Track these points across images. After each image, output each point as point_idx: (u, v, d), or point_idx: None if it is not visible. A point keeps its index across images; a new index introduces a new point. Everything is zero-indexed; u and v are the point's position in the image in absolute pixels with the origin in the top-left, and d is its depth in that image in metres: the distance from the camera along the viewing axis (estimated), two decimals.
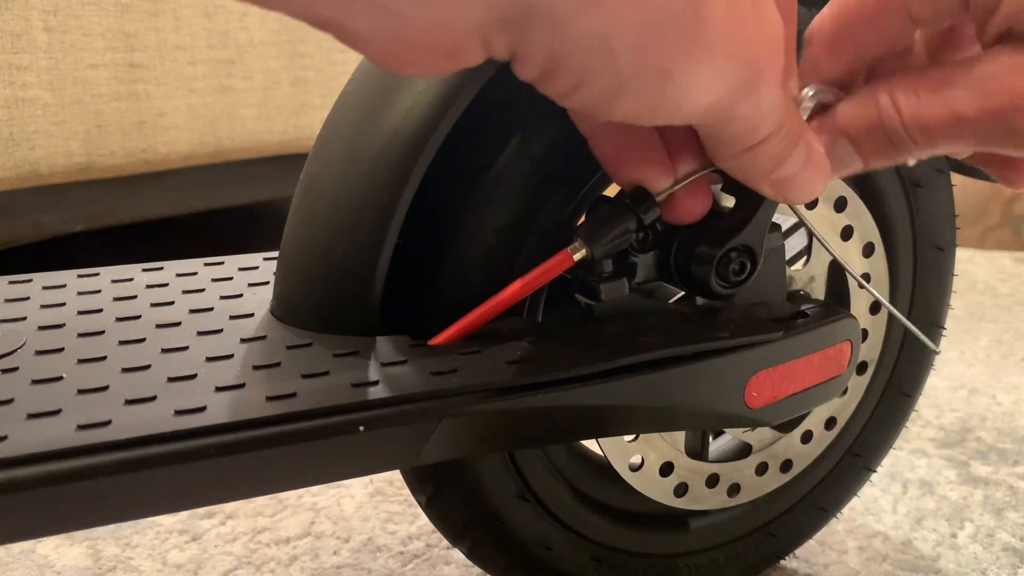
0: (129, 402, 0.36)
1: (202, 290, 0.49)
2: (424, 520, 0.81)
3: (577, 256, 0.42)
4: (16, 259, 1.19)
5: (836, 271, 0.60)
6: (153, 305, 0.47)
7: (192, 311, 0.46)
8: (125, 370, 0.39)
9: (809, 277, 0.59)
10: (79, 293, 0.48)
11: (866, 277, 0.60)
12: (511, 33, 0.27)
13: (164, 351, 0.41)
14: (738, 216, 0.46)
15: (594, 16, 0.26)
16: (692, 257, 0.46)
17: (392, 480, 0.88)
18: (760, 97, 0.32)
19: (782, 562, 0.73)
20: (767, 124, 0.34)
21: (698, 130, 0.36)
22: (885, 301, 0.49)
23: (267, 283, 0.51)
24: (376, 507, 0.84)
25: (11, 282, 0.49)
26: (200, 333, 0.43)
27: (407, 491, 0.85)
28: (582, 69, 0.28)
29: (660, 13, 0.27)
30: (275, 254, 0.51)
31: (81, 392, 0.37)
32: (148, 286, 0.49)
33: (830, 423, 0.63)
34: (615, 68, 0.28)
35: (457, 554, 0.76)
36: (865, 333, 0.61)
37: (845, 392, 0.62)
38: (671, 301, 0.50)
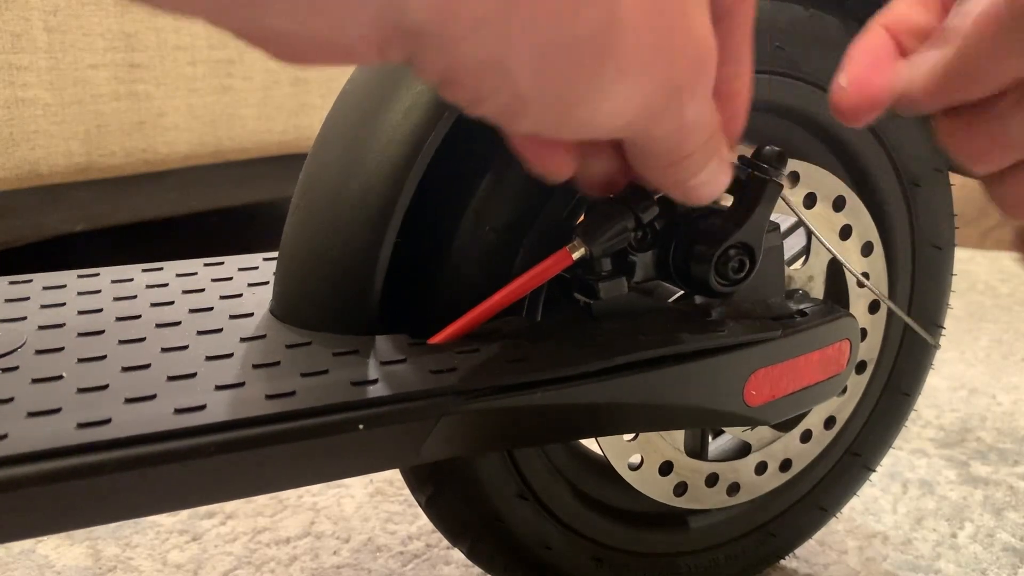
0: (129, 400, 0.36)
1: (202, 290, 0.49)
2: (424, 520, 0.81)
3: (576, 255, 0.42)
4: (16, 259, 1.19)
5: (835, 270, 0.60)
6: (153, 305, 0.47)
7: (192, 311, 0.46)
8: (125, 369, 0.39)
9: (808, 276, 0.59)
10: (79, 293, 0.48)
11: (865, 276, 0.60)
12: (402, 47, 0.25)
13: (164, 350, 0.41)
14: (736, 214, 0.46)
15: (487, 40, 0.25)
16: (691, 255, 0.46)
17: (392, 480, 0.88)
18: (683, 116, 0.31)
19: (782, 562, 0.73)
20: (691, 142, 0.33)
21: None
22: (884, 297, 0.49)
23: (267, 283, 0.51)
24: (376, 507, 0.84)
25: (11, 282, 0.50)
26: (200, 332, 0.43)
27: (407, 491, 0.86)
28: (478, 88, 0.27)
29: (564, 35, 0.25)
30: (275, 254, 0.51)
31: (81, 391, 0.37)
32: (148, 286, 0.49)
33: (829, 422, 0.63)
34: (513, 90, 0.26)
35: (457, 554, 0.76)
36: (864, 332, 0.61)
37: (844, 391, 0.62)
38: (670, 300, 0.50)
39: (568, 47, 0.26)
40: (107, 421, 0.34)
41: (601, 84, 0.27)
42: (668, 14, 0.28)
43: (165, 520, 0.80)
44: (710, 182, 0.36)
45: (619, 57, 0.26)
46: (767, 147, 0.45)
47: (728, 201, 0.47)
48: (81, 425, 0.34)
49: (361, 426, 0.37)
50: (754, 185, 0.45)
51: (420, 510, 0.81)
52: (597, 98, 0.27)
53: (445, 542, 0.78)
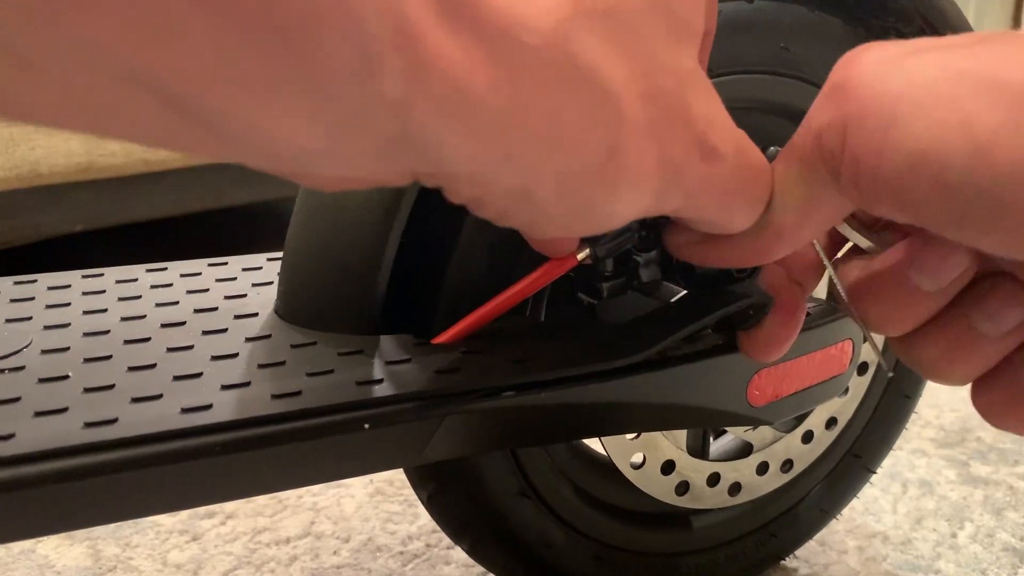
0: (135, 400, 0.36)
1: (206, 290, 0.49)
2: (424, 520, 0.81)
3: (580, 255, 0.42)
4: (16, 259, 1.19)
5: None
6: (158, 305, 0.47)
7: (197, 311, 0.46)
8: (131, 369, 0.39)
9: None
10: (84, 293, 0.48)
11: None
12: (435, 182, 0.28)
13: (169, 350, 0.41)
14: None
15: (514, 173, 0.27)
16: None
17: (392, 480, 0.88)
18: (695, 191, 0.32)
19: (782, 562, 0.73)
20: (733, 203, 0.34)
21: None
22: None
23: (271, 283, 0.51)
24: (376, 507, 0.84)
25: (16, 282, 0.50)
26: (205, 332, 0.44)
27: (407, 491, 0.86)
28: (506, 209, 0.29)
29: (577, 162, 0.27)
30: (279, 254, 0.51)
31: (87, 390, 0.37)
32: (152, 286, 0.49)
33: (831, 423, 0.63)
34: (537, 209, 0.29)
35: (457, 554, 0.76)
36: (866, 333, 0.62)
37: (846, 392, 0.63)
38: (673, 300, 0.50)
39: (583, 169, 0.28)
40: (114, 420, 0.34)
41: (614, 192, 0.29)
42: (666, 113, 0.29)
43: (165, 520, 0.80)
44: (745, 218, 0.35)
45: (625, 170, 0.28)
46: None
47: None
48: (88, 424, 0.34)
49: (366, 426, 0.37)
50: None
51: (420, 510, 0.81)
52: (612, 203, 0.29)
53: (445, 542, 0.78)
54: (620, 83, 0.27)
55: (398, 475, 0.86)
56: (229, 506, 0.83)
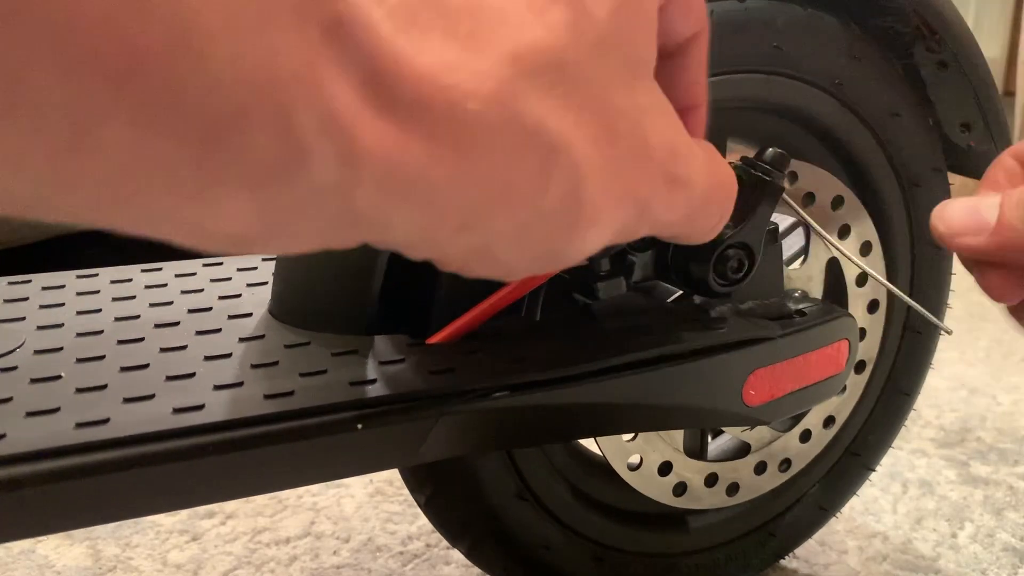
0: (128, 400, 0.36)
1: (201, 290, 0.49)
2: (424, 520, 0.81)
3: None
4: (16, 259, 1.19)
5: (834, 270, 0.60)
6: (152, 305, 0.47)
7: (191, 311, 0.46)
8: (124, 369, 0.39)
9: (807, 276, 0.59)
10: (78, 293, 0.48)
11: (864, 277, 0.60)
12: (389, 247, 0.27)
13: (163, 350, 0.41)
14: (737, 214, 0.46)
15: (469, 237, 0.26)
16: (690, 255, 0.46)
17: (392, 480, 0.88)
18: (656, 217, 0.32)
19: (782, 562, 0.73)
20: (701, 220, 0.34)
21: None
22: (888, 283, 0.49)
23: (265, 283, 0.51)
24: (376, 507, 0.84)
25: (11, 283, 0.50)
26: (199, 332, 0.43)
27: (407, 491, 0.85)
28: (466, 265, 0.29)
29: (536, 214, 0.27)
30: (273, 255, 0.51)
31: (80, 390, 0.37)
32: (147, 286, 0.49)
33: (829, 422, 0.63)
34: (499, 264, 0.29)
35: (457, 554, 0.76)
36: (863, 332, 0.61)
37: (844, 391, 0.62)
38: (669, 300, 0.50)
39: (542, 220, 0.27)
40: (105, 421, 0.34)
41: (577, 235, 0.29)
42: (623, 149, 0.29)
43: (165, 520, 0.80)
44: (711, 230, 0.36)
45: (588, 210, 0.28)
46: (769, 149, 0.45)
47: None
48: (80, 425, 0.34)
49: (360, 426, 0.37)
50: (755, 186, 0.45)
51: (420, 510, 0.81)
52: (574, 244, 0.29)
53: (445, 542, 0.78)
54: (569, 133, 0.26)
55: (398, 475, 0.86)
56: (229, 506, 0.83)
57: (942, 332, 0.66)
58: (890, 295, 0.62)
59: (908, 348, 0.66)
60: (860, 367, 0.63)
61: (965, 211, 0.38)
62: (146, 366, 0.39)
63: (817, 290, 0.59)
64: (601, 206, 0.29)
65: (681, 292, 0.51)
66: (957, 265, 0.66)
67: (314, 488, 0.86)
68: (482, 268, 0.29)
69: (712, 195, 0.33)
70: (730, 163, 0.45)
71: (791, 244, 0.60)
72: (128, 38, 0.18)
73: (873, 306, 0.62)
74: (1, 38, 0.17)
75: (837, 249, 0.53)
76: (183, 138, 0.19)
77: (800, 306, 0.51)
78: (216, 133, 0.20)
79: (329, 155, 0.22)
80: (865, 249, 0.59)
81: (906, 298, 0.49)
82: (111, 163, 0.19)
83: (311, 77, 0.21)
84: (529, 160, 0.26)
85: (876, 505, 0.85)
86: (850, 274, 0.60)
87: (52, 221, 0.22)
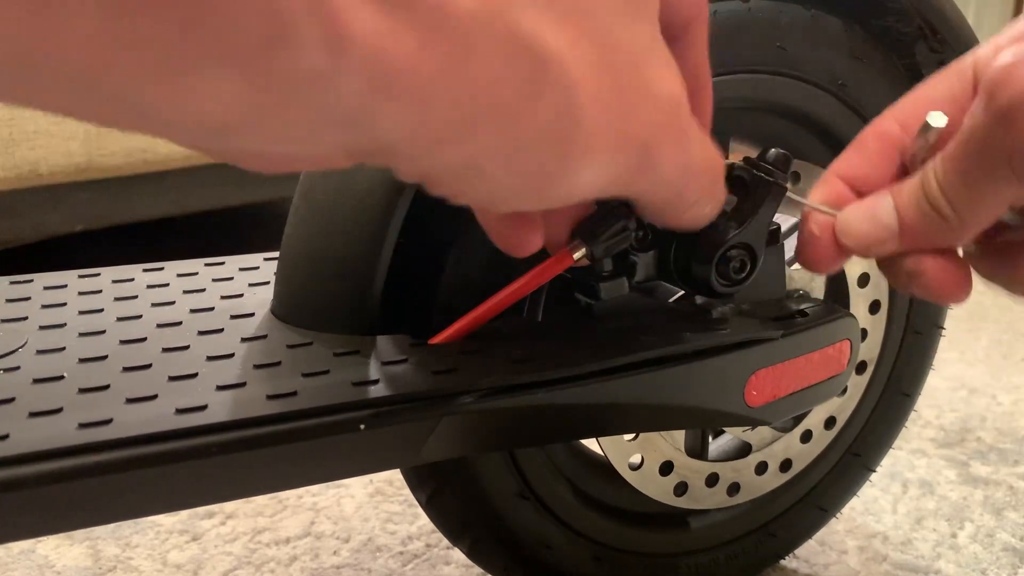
0: (130, 401, 0.36)
1: (203, 290, 0.49)
2: (424, 520, 0.81)
3: (576, 255, 0.42)
4: (16, 259, 1.19)
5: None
6: (154, 305, 0.47)
7: (193, 311, 0.46)
8: (126, 369, 0.39)
9: (809, 277, 0.59)
10: (80, 293, 0.48)
11: (865, 277, 0.60)
12: (376, 159, 0.27)
13: (165, 350, 0.41)
14: (739, 215, 0.46)
15: (457, 147, 0.26)
16: (692, 256, 0.46)
17: (392, 480, 0.88)
18: (660, 169, 0.31)
19: (782, 562, 0.73)
20: (690, 190, 0.34)
21: None
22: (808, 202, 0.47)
23: (268, 283, 0.51)
24: (376, 507, 0.84)
25: (12, 282, 0.50)
26: (201, 332, 0.43)
27: (407, 491, 0.85)
28: (455, 187, 0.28)
29: (528, 131, 0.27)
30: (276, 254, 0.51)
31: (82, 391, 0.37)
32: (149, 286, 0.49)
33: (830, 422, 0.63)
34: (489, 184, 0.28)
35: (457, 554, 0.76)
36: (864, 332, 0.61)
37: (845, 391, 0.62)
38: (671, 300, 0.50)
39: (534, 139, 0.27)
40: (108, 421, 0.34)
41: (571, 163, 0.28)
42: (624, 83, 0.28)
43: (165, 520, 0.80)
44: (701, 214, 0.37)
45: (583, 136, 0.28)
46: (772, 149, 0.45)
47: (731, 202, 0.47)
48: (82, 425, 0.34)
49: (362, 426, 0.37)
50: (758, 187, 0.45)
51: (420, 510, 0.81)
52: (570, 175, 0.29)
53: (445, 542, 0.78)
54: (564, 52, 0.26)
55: (398, 475, 0.86)
56: (229, 506, 0.83)
57: (942, 330, 0.66)
58: (891, 295, 0.62)
59: (909, 349, 0.66)
60: (861, 368, 0.63)
61: (866, 221, 0.38)
62: (148, 366, 0.39)
63: (819, 290, 0.59)
64: (598, 137, 0.28)
65: (683, 292, 0.51)
66: None
67: (314, 488, 0.86)
68: (472, 189, 0.29)
69: (713, 169, 0.34)
70: (733, 163, 0.45)
71: (793, 244, 0.60)
72: None
73: (875, 306, 0.62)
74: None
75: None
76: (165, 15, 0.19)
77: (802, 306, 0.51)
78: (200, 10, 0.19)
79: (316, 37, 0.21)
80: None
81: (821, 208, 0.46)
82: (87, 37, 0.19)
83: None
84: (519, 70, 0.25)
85: (876, 505, 0.85)
86: (851, 274, 0.60)
87: (30, 100, 0.21)
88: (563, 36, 0.26)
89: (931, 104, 0.38)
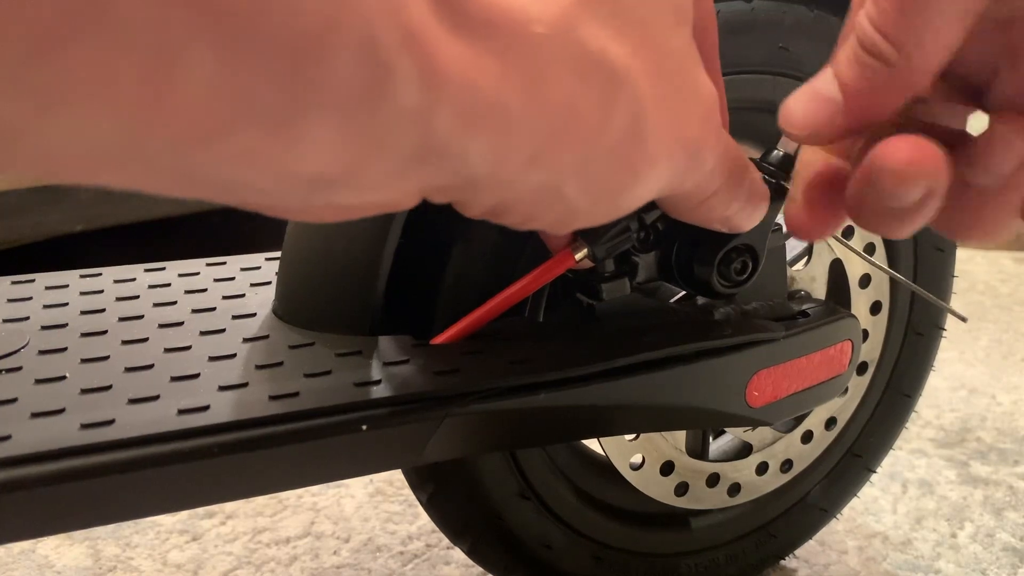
0: (132, 401, 0.36)
1: (204, 290, 0.49)
2: (424, 520, 0.81)
3: (579, 255, 0.42)
4: (17, 259, 1.19)
5: (837, 271, 0.60)
6: (156, 305, 0.47)
7: (195, 311, 0.46)
8: (128, 369, 0.39)
9: (811, 277, 0.59)
10: (82, 293, 0.48)
11: (867, 278, 0.60)
12: (451, 195, 0.27)
13: (167, 351, 0.41)
14: None
15: (541, 171, 0.26)
16: (694, 257, 0.46)
17: (392, 480, 0.88)
18: (704, 165, 0.32)
19: (782, 562, 0.73)
20: (714, 182, 0.34)
21: None
22: (897, 274, 0.49)
23: (269, 283, 0.51)
24: (376, 507, 0.84)
25: (14, 282, 0.49)
26: (203, 333, 0.43)
27: (407, 491, 0.86)
28: (531, 211, 0.29)
29: (600, 149, 0.27)
30: (277, 254, 0.51)
31: (84, 391, 0.37)
32: (150, 286, 0.49)
33: (830, 423, 0.63)
34: (564, 205, 0.29)
35: (457, 554, 0.76)
36: (866, 333, 0.61)
37: (846, 392, 0.62)
38: (672, 300, 0.50)
39: (607, 158, 0.28)
40: (110, 422, 0.34)
41: (638, 175, 0.29)
42: (677, 88, 0.29)
43: (165, 520, 0.80)
44: (744, 210, 0.37)
45: (648, 150, 0.28)
46: (775, 151, 0.45)
47: None
48: (85, 426, 0.34)
49: (364, 427, 0.37)
50: None
51: (420, 510, 0.81)
52: (636, 186, 0.29)
53: (445, 542, 0.78)
54: (630, 65, 0.27)
55: (398, 475, 0.86)
56: (229, 506, 0.83)
57: (945, 332, 0.66)
58: (892, 296, 0.63)
59: (910, 349, 0.66)
60: (862, 368, 0.63)
61: (806, 99, 0.32)
62: (151, 367, 0.39)
63: (820, 291, 0.59)
64: (659, 144, 0.29)
65: (684, 293, 0.51)
66: (958, 266, 0.66)
67: (314, 488, 0.86)
68: (548, 210, 0.29)
69: (739, 164, 0.35)
70: None
71: (795, 245, 0.60)
72: None
73: (876, 307, 0.62)
74: None
75: (845, 245, 0.53)
76: (269, 61, 0.19)
77: (803, 307, 0.51)
78: (302, 55, 0.19)
79: (411, 74, 0.21)
80: (869, 250, 0.59)
81: (916, 287, 0.48)
82: (197, 92, 0.18)
83: None
84: (593, 86, 0.26)
85: (876, 505, 0.85)
86: (853, 275, 0.60)
87: (125, 179, 0.20)
88: (625, 48, 0.27)
89: None
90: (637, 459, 0.56)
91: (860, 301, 0.61)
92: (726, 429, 0.62)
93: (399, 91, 0.21)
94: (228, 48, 0.18)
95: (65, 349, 0.41)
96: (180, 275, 0.51)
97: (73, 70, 0.17)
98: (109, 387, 0.37)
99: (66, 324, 0.44)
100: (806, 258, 0.59)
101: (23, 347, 0.41)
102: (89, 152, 0.19)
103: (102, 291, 0.48)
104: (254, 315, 0.46)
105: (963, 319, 0.49)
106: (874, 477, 0.71)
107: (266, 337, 0.43)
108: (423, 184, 0.25)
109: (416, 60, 0.21)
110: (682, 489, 0.59)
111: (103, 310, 0.46)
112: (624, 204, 0.30)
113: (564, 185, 0.27)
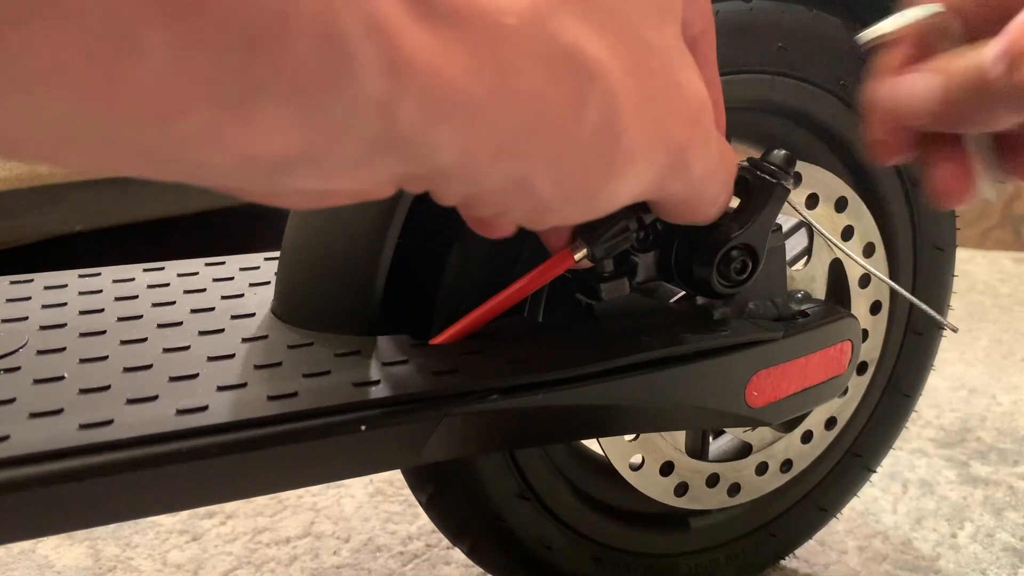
0: (131, 401, 0.36)
1: (203, 290, 0.49)
2: (424, 520, 0.81)
3: (577, 255, 0.42)
4: (16, 259, 1.19)
5: (837, 271, 0.60)
6: (154, 305, 0.47)
7: (193, 311, 0.46)
8: (127, 370, 0.39)
9: (810, 277, 0.59)
10: (80, 293, 0.48)
11: (866, 278, 0.60)
12: (422, 184, 0.27)
13: (166, 351, 0.41)
14: (741, 216, 0.46)
15: (508, 164, 0.26)
16: (693, 256, 0.46)
17: (392, 480, 0.88)
18: (691, 170, 0.32)
19: (782, 562, 0.73)
20: (707, 187, 0.34)
21: None
22: (892, 283, 0.49)
23: (268, 283, 0.51)
24: (376, 507, 0.84)
25: (12, 282, 0.49)
26: (201, 333, 0.43)
27: (407, 491, 0.85)
28: (502, 204, 0.28)
29: (575, 142, 0.27)
30: (276, 254, 0.51)
31: (83, 391, 0.37)
32: (149, 286, 0.49)
33: (830, 423, 0.63)
34: (536, 198, 0.28)
35: (457, 554, 0.76)
36: (865, 333, 0.61)
37: (845, 392, 0.62)
38: (672, 300, 0.50)
39: (580, 153, 0.27)
40: (109, 422, 0.34)
41: (614, 173, 0.29)
42: (659, 87, 0.29)
43: (165, 520, 0.80)
44: (716, 208, 0.38)
45: (625, 149, 0.28)
46: (775, 150, 0.45)
47: (733, 203, 0.47)
48: (83, 426, 0.34)
49: (363, 427, 0.37)
50: (761, 188, 0.45)
51: (420, 510, 0.81)
52: (612, 185, 0.29)
53: (445, 542, 0.78)
54: (605, 61, 0.26)
55: (398, 475, 0.86)
56: (229, 506, 0.83)
57: (945, 332, 0.66)
58: (892, 296, 0.62)
59: (910, 350, 0.66)
60: (862, 368, 0.63)
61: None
62: (149, 367, 0.39)
63: (820, 291, 0.59)
64: (637, 144, 0.28)
65: (684, 293, 0.51)
66: (958, 265, 0.66)
67: (314, 488, 0.86)
68: (518, 208, 0.29)
69: (726, 169, 0.34)
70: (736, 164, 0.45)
71: (794, 245, 0.60)
72: None
73: (876, 307, 0.62)
74: None
75: (841, 250, 0.53)
76: (223, 45, 0.19)
77: (803, 307, 0.51)
78: (259, 38, 0.19)
79: (373, 62, 0.21)
80: (868, 251, 0.59)
81: (908, 295, 0.48)
82: (152, 73, 0.18)
83: None
84: (565, 81, 0.26)
85: (876, 505, 0.85)
86: (853, 275, 0.60)
87: (87, 159, 0.20)
88: (602, 43, 0.26)
89: None
90: (637, 459, 0.56)
91: (860, 301, 0.61)
92: (726, 429, 0.62)
93: (362, 79, 0.21)
94: (180, 31, 0.18)
95: (64, 349, 0.41)
96: (179, 275, 0.51)
97: (25, 53, 0.17)
98: (108, 387, 0.37)
99: (65, 324, 0.44)
100: (806, 258, 0.59)
101: (22, 347, 0.41)
102: (49, 134, 0.19)
103: (101, 291, 0.48)
104: (253, 315, 0.46)
105: (954, 329, 0.49)
106: (874, 477, 0.71)
107: (265, 337, 0.43)
108: (392, 173, 0.25)
109: (380, 49, 0.21)
110: (682, 489, 0.59)
111: (102, 310, 0.46)
112: (601, 202, 0.30)
113: (534, 178, 0.27)
